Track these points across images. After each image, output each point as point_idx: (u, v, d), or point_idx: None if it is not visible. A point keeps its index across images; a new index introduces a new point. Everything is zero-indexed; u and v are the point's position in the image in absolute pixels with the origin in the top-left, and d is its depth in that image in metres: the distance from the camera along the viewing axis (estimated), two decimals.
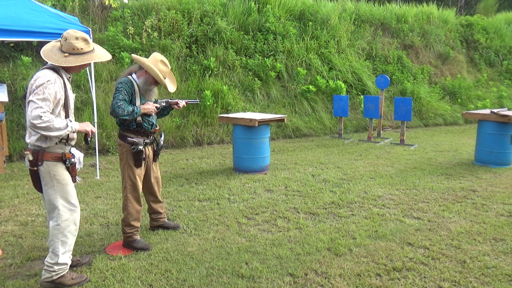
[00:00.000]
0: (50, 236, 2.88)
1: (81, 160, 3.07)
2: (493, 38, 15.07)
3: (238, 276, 3.08)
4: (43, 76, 2.67)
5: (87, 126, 2.92)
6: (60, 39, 2.84)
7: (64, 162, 2.84)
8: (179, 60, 9.12)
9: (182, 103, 3.84)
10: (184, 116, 8.52)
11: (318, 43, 11.11)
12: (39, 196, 4.95)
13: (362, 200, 4.89)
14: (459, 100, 12.78)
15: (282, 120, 6.45)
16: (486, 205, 4.71)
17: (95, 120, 5.91)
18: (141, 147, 3.41)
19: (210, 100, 8.52)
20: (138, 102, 3.46)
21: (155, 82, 3.46)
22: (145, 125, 3.52)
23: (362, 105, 9.76)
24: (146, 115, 3.50)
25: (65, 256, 2.89)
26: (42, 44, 7.83)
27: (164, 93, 8.30)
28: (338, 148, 8.17)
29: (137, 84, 3.47)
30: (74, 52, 2.78)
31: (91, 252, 3.47)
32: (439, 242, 3.68)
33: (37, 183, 2.86)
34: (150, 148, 3.64)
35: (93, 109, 5.99)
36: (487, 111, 7.00)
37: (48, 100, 2.62)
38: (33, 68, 7.54)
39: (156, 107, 3.57)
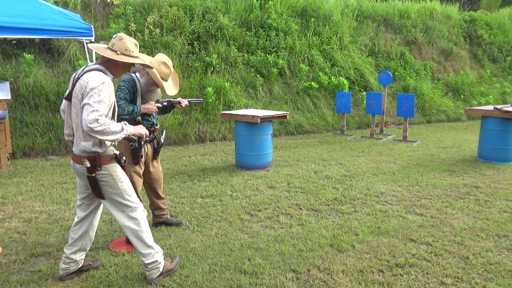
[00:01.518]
0: (133, 237, 2.87)
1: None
2: (497, 33, 14.98)
3: (241, 272, 3.09)
4: (97, 78, 2.60)
5: (141, 129, 2.93)
6: (107, 41, 2.85)
7: (119, 161, 2.85)
8: (181, 57, 9.11)
9: (184, 102, 3.84)
10: (187, 113, 8.52)
11: (320, 40, 11.08)
12: (43, 193, 4.98)
13: (365, 196, 4.88)
14: (462, 96, 12.73)
15: (284, 116, 6.44)
16: (489, 201, 4.70)
17: None
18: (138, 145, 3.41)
19: (212, 97, 8.52)
20: (139, 101, 3.46)
21: (156, 83, 3.46)
22: (145, 123, 3.51)
23: (365, 102, 9.74)
24: (146, 114, 3.50)
25: (155, 244, 2.95)
26: (44, 41, 7.87)
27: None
28: (340, 145, 8.16)
29: (140, 83, 3.47)
30: (126, 53, 2.77)
31: (94, 249, 3.48)
32: (442, 238, 3.68)
33: (97, 189, 2.80)
34: (149, 146, 3.64)
35: None
36: (490, 107, 6.97)
37: (104, 103, 2.55)
38: (35, 65, 7.55)
39: (157, 106, 3.57)
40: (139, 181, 3.57)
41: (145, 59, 3.02)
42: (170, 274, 3.02)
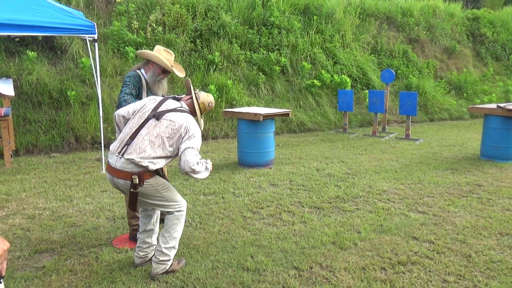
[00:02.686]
0: (169, 222, 2.94)
1: None
2: (500, 31, 14.92)
3: (243, 269, 3.10)
4: (195, 124, 2.89)
5: (210, 167, 3.00)
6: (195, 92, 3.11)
7: (158, 173, 2.94)
8: (183, 54, 9.12)
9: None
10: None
11: (323, 37, 11.06)
12: (46, 190, 5.00)
13: (367, 194, 4.89)
14: (465, 94, 12.69)
15: (286, 114, 6.45)
16: (491, 199, 4.69)
17: (100, 115, 5.93)
18: None
19: (215, 95, 8.52)
20: (145, 97, 3.47)
21: (163, 71, 3.46)
22: None
23: (367, 100, 9.72)
24: None
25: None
26: (47, 38, 7.88)
27: (169, 86, 8.31)
28: (342, 143, 8.16)
29: (145, 79, 3.48)
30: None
31: (97, 245, 3.50)
32: (444, 236, 3.68)
33: (134, 205, 2.89)
34: None
35: (98, 104, 6.02)
36: (493, 105, 6.95)
37: (200, 147, 2.88)
38: (38, 62, 7.57)
39: None
40: None
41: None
42: (173, 274, 3.03)
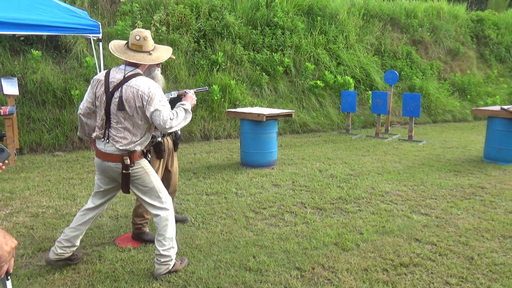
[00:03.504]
0: (160, 225, 2.94)
1: None
2: (504, 33, 14.86)
3: (246, 269, 3.11)
4: (148, 84, 2.77)
5: (193, 100, 3.09)
6: (123, 41, 2.93)
7: (146, 157, 2.98)
8: (187, 54, 9.14)
9: (190, 92, 3.86)
10: (192, 111, 8.53)
11: (327, 38, 11.05)
12: (50, 188, 5.03)
13: (370, 195, 4.89)
14: (468, 96, 12.65)
15: (289, 115, 6.45)
16: (494, 202, 4.68)
17: None
18: (159, 139, 3.46)
19: (218, 95, 8.53)
20: None
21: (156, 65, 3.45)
22: None
23: (370, 101, 9.71)
24: None
25: (175, 237, 3.03)
26: (52, 38, 7.92)
27: (172, 86, 8.33)
28: (345, 144, 8.16)
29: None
30: (153, 49, 2.93)
31: (100, 244, 3.52)
32: (446, 238, 3.67)
33: (127, 186, 2.91)
34: (169, 138, 3.69)
35: None
36: (497, 107, 6.93)
37: (165, 101, 2.80)
38: (42, 61, 7.61)
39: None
40: (160, 177, 3.60)
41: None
42: (176, 273, 3.04)
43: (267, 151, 6.11)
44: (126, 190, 2.94)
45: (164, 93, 3.71)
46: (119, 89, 2.76)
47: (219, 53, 9.20)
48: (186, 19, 9.34)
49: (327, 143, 8.26)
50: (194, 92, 3.97)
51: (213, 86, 8.57)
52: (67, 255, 3.05)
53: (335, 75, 10.45)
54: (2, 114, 5.89)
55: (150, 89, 2.74)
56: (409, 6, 13.53)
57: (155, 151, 3.48)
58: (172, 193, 3.92)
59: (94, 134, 2.92)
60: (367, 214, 4.29)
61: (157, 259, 2.95)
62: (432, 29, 13.54)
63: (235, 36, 9.71)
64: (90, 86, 2.94)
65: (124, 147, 2.79)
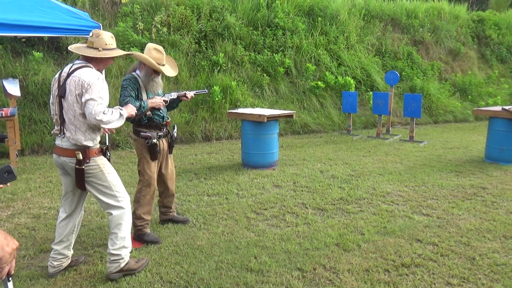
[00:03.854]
0: (112, 224, 2.93)
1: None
2: (505, 34, 14.85)
3: (247, 270, 3.11)
4: (92, 74, 2.76)
5: (131, 109, 3.06)
6: (84, 40, 2.95)
7: (104, 154, 2.97)
8: (188, 55, 9.15)
9: (190, 94, 3.88)
10: (193, 112, 8.56)
11: (327, 39, 11.06)
12: (51, 189, 5.04)
13: (371, 196, 4.88)
14: (469, 96, 12.64)
15: (290, 116, 6.45)
16: (496, 202, 4.68)
17: None
18: (155, 141, 3.46)
19: (219, 96, 8.54)
20: (144, 97, 3.49)
21: (154, 71, 3.48)
22: (156, 118, 3.56)
23: (371, 102, 9.71)
24: (155, 109, 3.53)
25: (130, 240, 3.01)
26: (53, 39, 7.94)
27: (174, 87, 8.34)
28: (346, 145, 8.15)
29: (141, 79, 3.50)
30: (107, 47, 2.90)
31: (102, 245, 3.52)
32: (448, 239, 3.67)
33: (81, 182, 2.90)
34: (164, 140, 3.69)
35: None
36: (498, 108, 6.92)
37: (104, 96, 2.76)
38: (44, 63, 7.63)
39: (164, 100, 3.60)
40: (155, 178, 3.60)
41: (121, 51, 3.10)
42: (131, 273, 3.01)
43: (268, 152, 6.12)
44: (80, 186, 2.92)
45: (164, 94, 3.74)
46: (66, 80, 2.80)
47: (220, 54, 9.21)
48: (187, 20, 9.36)
49: (328, 143, 8.26)
50: (195, 94, 3.99)
51: (214, 87, 8.58)
52: (65, 264, 3.06)
53: (336, 76, 10.45)
54: (3, 115, 5.90)
55: (92, 79, 2.73)
56: (410, 6, 13.52)
57: (149, 152, 3.49)
58: (170, 197, 3.93)
59: (52, 131, 2.97)
60: (369, 214, 4.29)
61: (108, 258, 2.94)
62: (433, 29, 13.53)
63: (236, 37, 9.72)
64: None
65: (74, 142, 2.79)
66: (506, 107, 6.49)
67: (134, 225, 3.57)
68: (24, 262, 3.22)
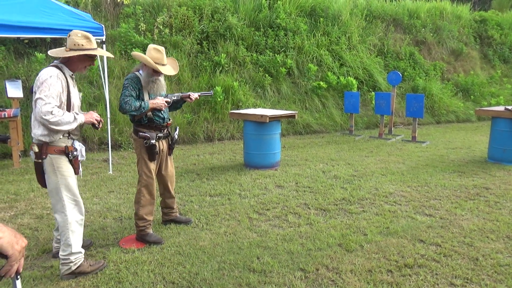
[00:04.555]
0: (60, 229, 2.96)
1: (83, 153, 3.12)
2: (508, 34, 14.80)
3: (250, 271, 3.10)
4: (46, 72, 2.79)
5: (91, 118, 3.01)
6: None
7: (67, 155, 2.93)
8: (190, 56, 9.16)
9: (194, 95, 3.85)
10: (195, 112, 8.56)
11: (329, 39, 11.05)
12: None
13: (373, 196, 4.87)
14: (472, 97, 12.61)
15: (292, 116, 6.45)
16: (499, 202, 4.66)
17: (108, 116, 5.98)
18: (153, 141, 3.44)
19: (221, 96, 8.55)
20: (146, 97, 3.49)
21: (154, 71, 3.47)
22: (156, 119, 3.54)
23: (373, 102, 9.70)
24: (156, 109, 3.52)
25: (78, 245, 2.98)
26: (55, 40, 7.95)
27: (176, 87, 8.35)
28: (348, 145, 8.14)
29: (142, 79, 3.50)
30: (75, 48, 2.88)
31: (105, 245, 3.53)
32: (451, 239, 3.66)
33: (41, 176, 2.95)
34: (164, 142, 3.67)
35: (105, 105, 6.07)
36: (501, 108, 6.90)
37: (54, 95, 2.74)
38: (46, 64, 7.64)
39: (166, 101, 3.58)
40: (152, 179, 3.59)
41: (103, 50, 3.10)
42: (85, 275, 3.00)
43: (270, 152, 6.11)
44: (39, 181, 2.95)
45: (167, 95, 3.74)
46: None
47: (222, 54, 9.22)
48: (189, 21, 9.37)
49: (330, 144, 8.26)
50: (199, 95, 3.98)
51: (216, 87, 8.59)
52: None
53: (338, 76, 10.45)
54: (6, 116, 5.92)
55: (44, 77, 2.73)
56: (412, 6, 13.50)
57: (148, 152, 3.48)
58: (170, 198, 3.92)
59: None
60: (371, 215, 4.28)
61: (60, 259, 2.97)
62: (435, 29, 13.51)
63: (237, 37, 9.73)
64: None
65: (33, 135, 2.83)
66: (509, 107, 6.47)
67: (137, 225, 3.57)
68: (27, 263, 3.23)
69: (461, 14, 14.31)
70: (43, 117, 2.67)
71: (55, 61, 2.95)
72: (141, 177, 3.54)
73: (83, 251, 3.04)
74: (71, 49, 2.87)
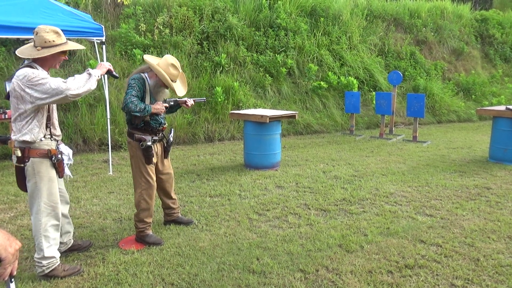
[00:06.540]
0: (33, 232, 2.95)
1: (71, 156, 3.09)
2: (509, 33, 14.78)
3: (249, 272, 3.09)
4: (28, 71, 2.70)
5: (104, 67, 3.00)
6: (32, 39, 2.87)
7: (50, 158, 2.88)
8: (190, 56, 9.15)
9: (190, 102, 3.86)
10: (196, 113, 8.56)
11: (330, 39, 11.04)
12: None
13: (374, 197, 4.86)
14: (473, 96, 12.58)
15: (293, 116, 6.44)
16: (500, 202, 4.64)
17: (108, 117, 5.97)
18: (149, 143, 3.43)
19: (221, 97, 8.54)
20: (148, 101, 3.48)
21: (165, 84, 3.48)
22: (153, 123, 3.52)
23: (374, 102, 9.68)
24: (154, 114, 3.52)
25: (51, 250, 2.95)
26: None
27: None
28: (349, 145, 8.13)
29: (149, 83, 3.49)
30: (46, 45, 2.78)
31: (104, 246, 3.52)
32: (452, 239, 3.64)
33: (22, 181, 2.89)
34: (159, 145, 3.66)
35: (105, 106, 6.06)
36: (502, 107, 6.88)
37: (49, 80, 2.68)
38: None
39: (165, 106, 3.59)
40: (154, 180, 3.58)
41: (74, 44, 3.00)
42: (59, 278, 3.00)
43: (270, 152, 6.10)
44: (19, 185, 2.90)
45: (165, 99, 3.72)
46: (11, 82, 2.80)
47: (222, 55, 9.21)
48: (189, 21, 9.37)
49: (330, 144, 8.24)
50: (194, 101, 4.00)
51: (217, 88, 8.58)
52: (62, 249, 3.21)
53: (338, 76, 10.43)
54: (7, 117, 5.92)
55: (27, 74, 2.68)
56: (412, 6, 13.48)
57: (144, 155, 3.47)
58: (171, 200, 3.91)
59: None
60: (372, 215, 4.26)
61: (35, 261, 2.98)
62: (436, 29, 13.48)
63: (238, 38, 9.72)
64: None
65: (15, 137, 2.78)
66: (510, 107, 6.45)
67: (136, 227, 3.57)
68: (26, 264, 3.22)
69: (462, 13, 14.28)
70: (68, 93, 2.63)
71: (26, 61, 2.83)
72: (141, 179, 3.52)
73: (57, 255, 3.00)
74: (42, 47, 2.76)
